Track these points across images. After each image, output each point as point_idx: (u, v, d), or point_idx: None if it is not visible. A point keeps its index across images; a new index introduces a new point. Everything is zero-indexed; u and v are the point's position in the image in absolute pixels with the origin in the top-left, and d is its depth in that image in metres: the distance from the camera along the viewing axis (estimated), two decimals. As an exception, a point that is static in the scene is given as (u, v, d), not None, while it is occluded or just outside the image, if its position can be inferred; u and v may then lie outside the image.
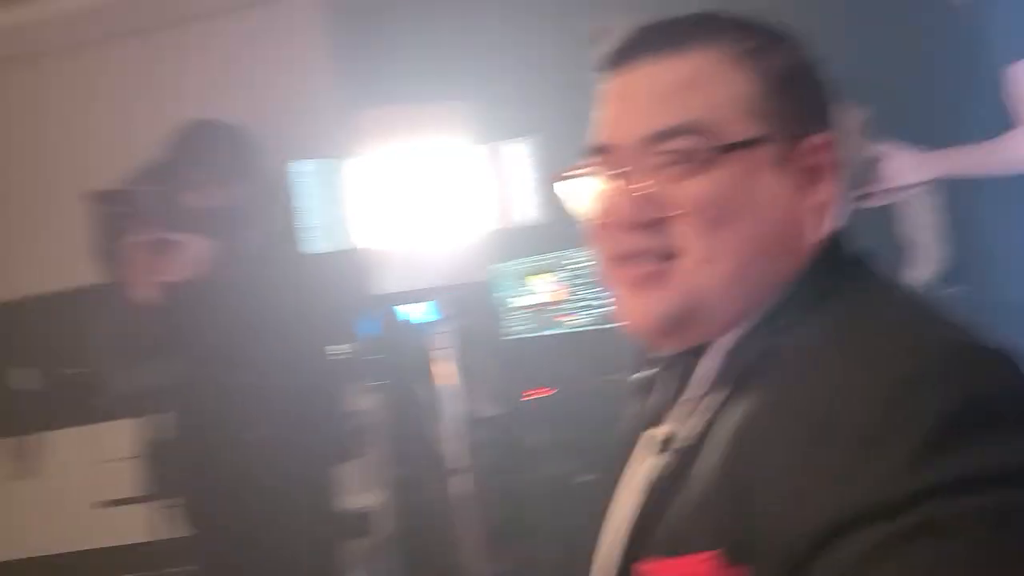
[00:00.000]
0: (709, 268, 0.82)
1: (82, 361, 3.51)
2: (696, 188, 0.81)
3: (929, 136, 2.18)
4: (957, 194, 2.18)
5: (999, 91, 2.02)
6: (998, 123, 2.03)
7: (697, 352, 0.87)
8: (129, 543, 3.13)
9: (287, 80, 3.10)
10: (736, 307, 0.83)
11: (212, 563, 2.47)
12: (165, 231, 2.33)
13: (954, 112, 2.16)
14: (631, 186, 0.83)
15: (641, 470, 0.87)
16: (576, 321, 3.16)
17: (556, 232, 2.56)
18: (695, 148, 0.81)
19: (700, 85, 0.83)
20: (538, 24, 3.07)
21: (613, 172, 0.85)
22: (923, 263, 2.52)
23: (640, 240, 0.83)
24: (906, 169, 2.16)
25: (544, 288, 3.22)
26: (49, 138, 3.32)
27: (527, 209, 2.19)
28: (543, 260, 3.22)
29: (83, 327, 3.30)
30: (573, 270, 3.16)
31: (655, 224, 0.83)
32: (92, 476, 3.29)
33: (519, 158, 2.18)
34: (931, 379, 0.68)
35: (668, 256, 0.83)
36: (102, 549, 3.32)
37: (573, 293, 3.16)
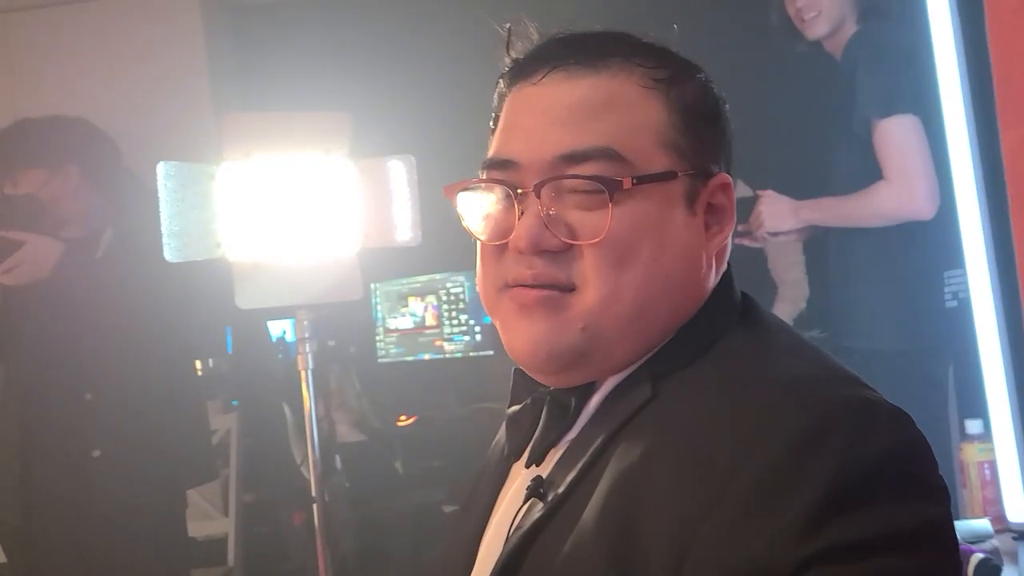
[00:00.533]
0: (610, 306, 0.76)
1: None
2: (606, 220, 0.75)
3: (803, 185, 2.24)
4: (827, 242, 2.25)
5: (870, 146, 2.09)
6: (869, 176, 2.10)
7: (579, 389, 0.81)
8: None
9: (158, 76, 2.95)
10: (631, 348, 0.79)
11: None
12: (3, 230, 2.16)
13: (828, 163, 2.23)
14: (538, 209, 0.76)
15: (511, 510, 0.81)
16: (451, 347, 3.10)
17: (434, 254, 2.52)
18: (608, 176, 0.75)
19: (616, 108, 0.77)
20: (422, 42, 3.03)
21: (518, 191, 0.78)
22: (787, 304, 2.59)
23: (540, 267, 0.77)
24: (780, 215, 2.22)
25: (421, 311, 3.16)
26: None
27: (405, 229, 2.12)
28: (419, 282, 3.16)
29: None
30: (451, 294, 3.11)
31: (558, 252, 0.76)
32: None
33: (400, 175, 2.11)
34: (825, 440, 0.65)
35: (568, 288, 0.77)
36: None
37: (451, 318, 3.10)
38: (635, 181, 0.75)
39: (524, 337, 0.78)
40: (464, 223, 0.82)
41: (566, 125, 0.77)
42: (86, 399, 2.26)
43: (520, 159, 0.79)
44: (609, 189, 0.75)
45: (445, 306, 3.11)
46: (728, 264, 0.84)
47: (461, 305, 3.08)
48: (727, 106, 0.84)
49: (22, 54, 2.97)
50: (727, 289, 0.82)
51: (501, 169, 0.80)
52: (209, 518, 2.88)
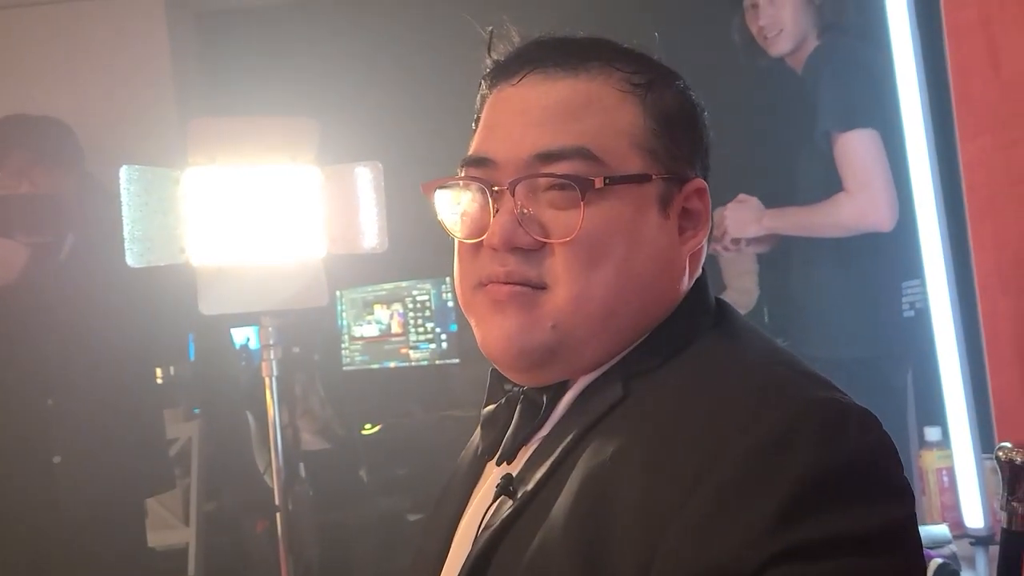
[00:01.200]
0: (580, 305, 0.77)
1: None
2: (578, 219, 0.76)
3: (766, 196, 2.27)
4: (789, 252, 2.28)
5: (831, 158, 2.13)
6: (831, 188, 2.13)
7: (551, 388, 0.82)
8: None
9: (121, 79, 2.92)
10: (602, 347, 0.79)
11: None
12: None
13: (792, 175, 2.27)
14: (512, 206, 0.77)
15: (482, 508, 0.82)
16: (417, 355, 3.09)
17: (401, 262, 2.51)
18: (582, 175, 0.76)
19: (593, 111, 0.78)
20: (391, 49, 3.02)
21: (494, 189, 0.78)
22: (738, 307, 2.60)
23: (513, 265, 0.77)
24: (744, 221, 2.25)
25: (386, 319, 3.14)
26: None
27: (372, 235, 2.11)
28: (384, 290, 3.15)
29: None
30: (417, 302, 3.10)
31: (531, 250, 0.77)
32: None
33: (366, 181, 2.11)
34: (793, 441, 0.66)
35: (540, 286, 0.78)
36: None
37: (416, 326, 3.09)
38: (607, 181, 0.76)
39: (496, 333, 0.79)
40: (440, 221, 0.83)
41: (542, 125, 0.78)
42: (48, 404, 2.23)
43: (497, 157, 0.79)
44: (581, 188, 0.76)
45: (411, 314, 3.10)
46: (703, 269, 0.85)
47: (427, 313, 3.08)
48: (705, 114, 0.85)
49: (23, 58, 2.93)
50: (701, 293, 0.83)
51: (478, 167, 0.81)
52: (170, 527, 2.84)
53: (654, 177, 0.79)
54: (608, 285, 0.77)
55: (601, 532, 0.69)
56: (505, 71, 0.82)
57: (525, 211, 0.78)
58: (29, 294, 2.18)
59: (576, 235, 0.76)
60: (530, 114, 0.79)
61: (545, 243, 0.77)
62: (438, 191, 0.83)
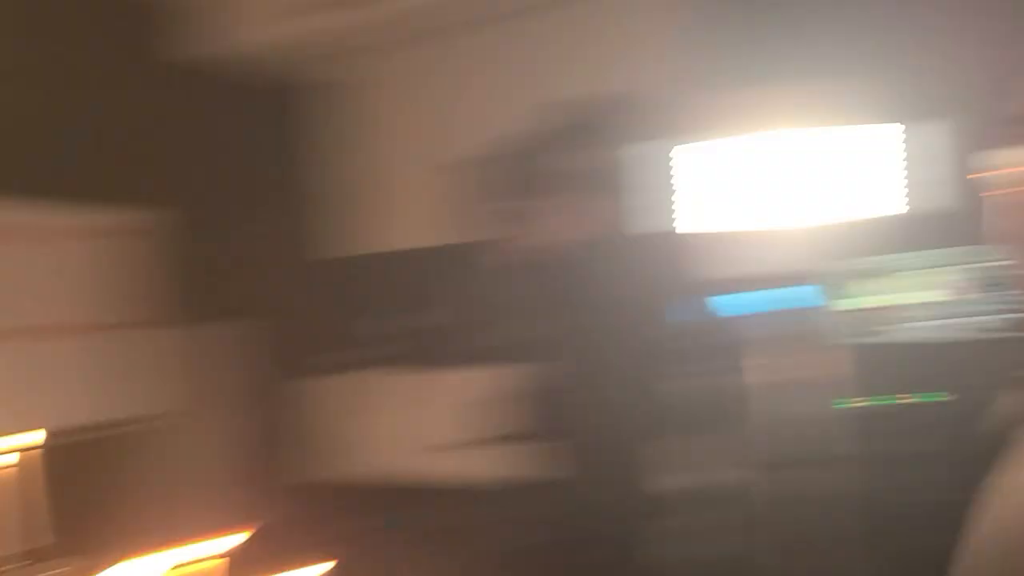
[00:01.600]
0: None
1: (445, 313, 3.77)
2: None
3: None
4: None
5: None
6: None
7: None
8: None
9: (649, 58, 3.10)
10: None
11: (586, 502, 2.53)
12: (575, 192, 2.42)
13: None
14: None
15: None
16: (978, 324, 2.90)
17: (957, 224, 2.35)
18: None
19: None
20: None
21: None
22: None
23: None
24: None
25: (935, 286, 2.98)
26: (419, 115, 3.62)
27: (894, 201, 2.03)
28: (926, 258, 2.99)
29: (435, 283, 3.55)
30: (971, 269, 2.90)
31: None
32: (446, 417, 3.49)
33: (899, 142, 2.03)
34: None
35: None
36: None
37: (977, 292, 2.89)
38: None
39: None
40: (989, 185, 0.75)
41: None
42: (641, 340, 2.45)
43: None
44: None
45: (975, 280, 2.90)
46: None
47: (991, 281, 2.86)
48: None
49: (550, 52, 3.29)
50: None
51: None
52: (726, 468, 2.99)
53: None
54: None
55: None
56: None
57: None
58: (610, 244, 2.43)
59: None
60: None
61: None
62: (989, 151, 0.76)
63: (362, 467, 3.37)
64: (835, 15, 3.08)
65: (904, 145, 2.08)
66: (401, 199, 3.63)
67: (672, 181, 2.16)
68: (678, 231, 2.14)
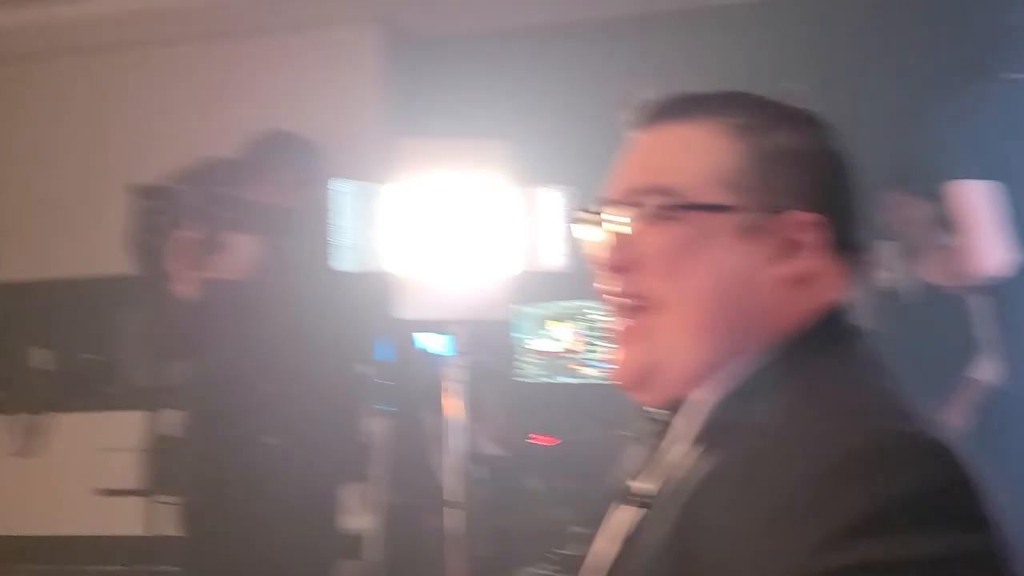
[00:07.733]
0: (669, 317, 0.87)
1: (101, 349, 3.56)
2: (656, 238, 0.88)
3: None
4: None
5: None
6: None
7: (677, 408, 0.90)
8: (124, 535, 3.15)
9: (340, 101, 3.17)
10: (699, 363, 0.86)
11: (202, 566, 2.46)
12: (217, 229, 2.37)
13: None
14: (607, 230, 0.91)
15: (616, 521, 0.91)
16: (588, 372, 3.18)
17: (578, 281, 2.59)
18: (661, 204, 0.88)
19: (684, 153, 0.89)
20: (581, 81, 3.13)
21: (602, 220, 0.92)
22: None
23: (616, 283, 0.90)
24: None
25: (562, 335, 3.25)
26: (104, 131, 3.41)
27: (554, 255, 2.23)
28: (564, 308, 3.25)
29: (107, 315, 3.35)
30: (591, 321, 3.19)
31: (626, 268, 0.89)
32: (95, 463, 3.32)
33: (552, 203, 2.22)
34: (856, 471, 0.69)
35: (639, 305, 0.89)
36: (96, 537, 3.34)
37: (588, 344, 3.18)
38: (682, 209, 0.87)
39: (617, 362, 0.93)
40: (583, 249, 0.98)
41: (638, 166, 0.92)
42: (262, 388, 2.41)
43: (608, 195, 0.93)
44: (661, 215, 0.88)
45: (590, 332, 3.19)
46: (842, 300, 0.88)
47: (604, 333, 3.15)
48: (834, 154, 0.91)
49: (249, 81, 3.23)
50: (829, 322, 0.87)
51: (602, 204, 0.94)
52: (356, 514, 3.03)
53: (733, 208, 0.86)
54: (689, 299, 0.87)
55: (698, 548, 0.76)
56: (638, 121, 0.94)
57: (618, 234, 0.90)
58: (258, 287, 2.40)
59: (654, 251, 0.88)
60: (634, 157, 0.93)
61: (635, 261, 0.90)
62: (575, 224, 0.98)
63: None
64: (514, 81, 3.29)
65: (531, 205, 2.25)
66: (77, 223, 3.36)
67: (376, 221, 2.19)
68: (380, 270, 2.16)
